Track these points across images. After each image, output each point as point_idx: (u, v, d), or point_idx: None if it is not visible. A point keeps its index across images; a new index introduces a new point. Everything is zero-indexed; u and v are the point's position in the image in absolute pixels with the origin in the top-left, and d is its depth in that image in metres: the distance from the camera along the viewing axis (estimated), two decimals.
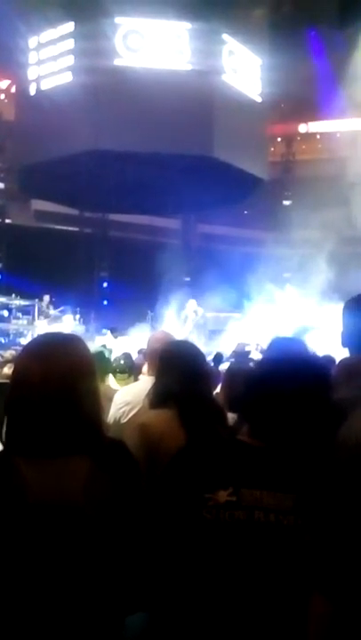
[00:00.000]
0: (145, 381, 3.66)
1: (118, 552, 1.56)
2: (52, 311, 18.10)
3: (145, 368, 3.83)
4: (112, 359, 5.96)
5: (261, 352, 10.59)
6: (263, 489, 1.75)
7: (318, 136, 29.42)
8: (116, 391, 4.08)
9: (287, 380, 1.87)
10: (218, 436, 2.64)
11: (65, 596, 1.51)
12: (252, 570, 1.71)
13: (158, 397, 2.88)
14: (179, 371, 2.87)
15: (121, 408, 3.40)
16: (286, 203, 27.26)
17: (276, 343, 3.33)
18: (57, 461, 1.55)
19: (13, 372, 1.65)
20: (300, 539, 1.72)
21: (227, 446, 1.90)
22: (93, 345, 14.40)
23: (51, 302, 18.28)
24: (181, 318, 17.31)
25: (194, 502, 1.74)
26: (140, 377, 4.16)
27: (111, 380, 5.54)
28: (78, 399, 1.57)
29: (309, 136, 29.51)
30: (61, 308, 18.33)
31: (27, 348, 1.69)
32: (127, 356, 5.80)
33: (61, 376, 1.56)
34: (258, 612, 1.71)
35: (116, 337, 16.01)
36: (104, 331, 17.44)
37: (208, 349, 12.89)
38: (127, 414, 3.34)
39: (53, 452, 1.55)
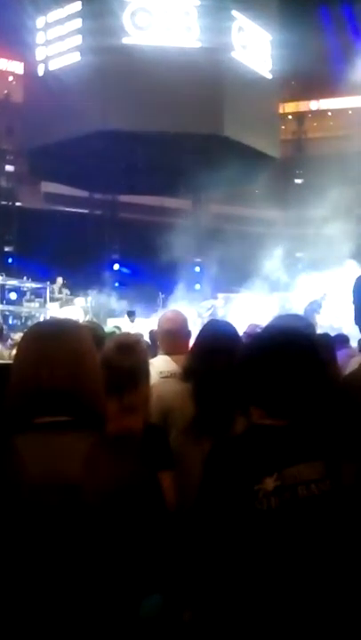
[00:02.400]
0: (156, 360, 3.64)
1: (127, 532, 1.51)
2: (64, 294, 18.06)
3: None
4: None
5: None
6: (299, 463, 1.81)
7: (330, 113, 29.12)
8: None
9: (291, 354, 1.91)
10: (227, 412, 2.65)
11: (69, 577, 1.48)
12: (306, 546, 1.76)
13: (184, 373, 2.95)
14: (205, 349, 2.89)
15: None
16: (298, 181, 27.06)
17: (272, 323, 3.33)
18: (56, 438, 1.55)
19: (17, 353, 1.69)
20: (339, 499, 1.83)
21: (257, 433, 1.90)
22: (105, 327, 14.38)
23: (63, 285, 18.25)
24: (203, 306, 17.27)
25: (245, 496, 1.75)
26: None
27: None
28: (80, 379, 1.60)
29: (321, 113, 29.22)
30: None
31: (30, 332, 1.74)
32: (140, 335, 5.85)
33: (64, 359, 1.59)
34: (316, 586, 1.77)
35: (132, 320, 16.02)
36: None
37: None
38: None
39: (53, 427, 1.56)
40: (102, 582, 1.50)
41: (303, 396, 1.88)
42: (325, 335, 4.19)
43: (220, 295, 17.80)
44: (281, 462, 1.80)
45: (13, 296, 17.95)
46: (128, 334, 2.95)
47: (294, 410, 1.87)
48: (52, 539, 1.47)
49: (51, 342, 1.62)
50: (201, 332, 3.07)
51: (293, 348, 1.92)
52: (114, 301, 18.93)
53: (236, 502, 1.76)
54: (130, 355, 2.47)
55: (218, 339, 2.94)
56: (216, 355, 2.84)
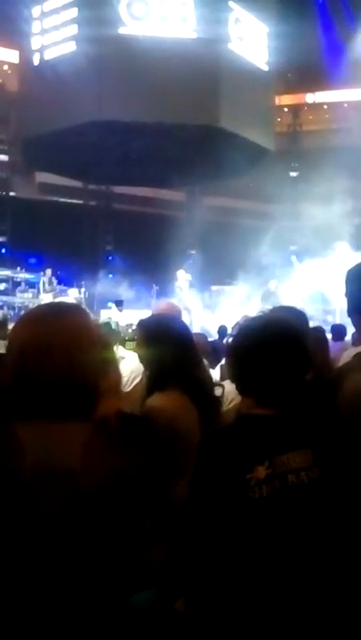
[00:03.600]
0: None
1: (125, 520, 1.53)
2: (54, 285, 18.05)
3: None
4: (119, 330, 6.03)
5: None
6: (288, 451, 1.83)
7: (326, 106, 29.06)
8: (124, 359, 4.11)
9: (279, 344, 1.93)
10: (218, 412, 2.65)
11: (65, 564, 1.48)
12: (297, 534, 1.78)
13: (160, 379, 2.77)
14: (172, 349, 2.77)
15: (125, 376, 3.40)
16: (293, 174, 27.02)
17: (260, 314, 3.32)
18: (55, 425, 1.54)
19: (14, 339, 1.64)
20: (328, 486, 1.84)
21: (247, 423, 1.92)
22: (99, 318, 14.38)
23: (53, 276, 18.24)
24: (176, 290, 17.30)
25: (237, 485, 1.77)
26: None
27: (121, 350, 5.56)
28: (80, 367, 1.57)
29: (317, 106, 29.15)
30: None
31: (29, 316, 1.70)
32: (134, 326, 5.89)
33: (64, 344, 1.57)
34: (308, 574, 1.78)
35: (121, 310, 16.03)
36: (110, 304, 17.44)
37: (213, 323, 12.88)
38: (131, 382, 3.35)
39: (52, 414, 1.55)
40: (98, 570, 1.50)
41: (291, 385, 1.90)
42: (318, 328, 4.20)
43: (181, 271, 17.70)
44: (271, 450, 1.82)
45: (4, 286, 17.95)
46: None
47: (283, 399, 1.89)
48: (50, 525, 1.47)
49: (49, 328, 1.59)
50: (151, 333, 2.93)
51: (281, 338, 1.94)
52: (107, 293, 18.91)
53: (228, 491, 1.77)
54: None
55: (165, 334, 2.83)
56: (197, 358, 2.82)
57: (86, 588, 1.49)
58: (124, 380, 3.38)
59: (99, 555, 1.49)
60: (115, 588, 1.53)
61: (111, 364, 2.47)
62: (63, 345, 1.56)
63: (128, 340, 5.59)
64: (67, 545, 1.47)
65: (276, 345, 1.92)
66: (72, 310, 1.69)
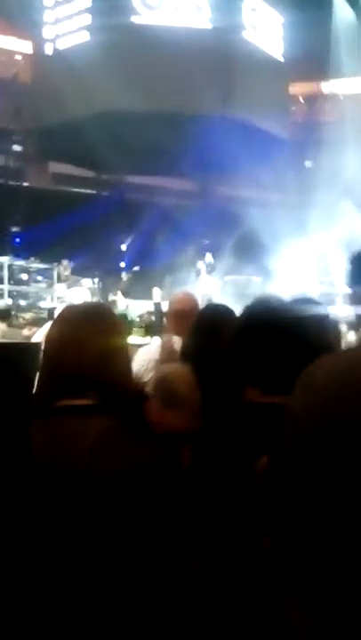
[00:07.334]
0: (165, 339, 3.68)
1: (138, 517, 1.48)
2: (69, 275, 18.11)
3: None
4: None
5: None
6: None
7: (341, 97, 28.83)
8: (134, 346, 4.17)
9: (282, 330, 1.91)
10: (232, 395, 2.64)
11: (73, 565, 1.46)
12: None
13: (182, 354, 3.03)
14: (200, 330, 2.95)
15: (143, 365, 3.45)
16: (308, 164, 26.86)
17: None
18: (70, 422, 1.54)
19: (47, 337, 1.68)
20: None
21: (254, 411, 1.89)
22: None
23: (68, 267, 18.29)
24: (196, 272, 17.31)
25: (242, 475, 1.74)
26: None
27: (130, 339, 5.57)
28: (109, 364, 1.60)
29: (332, 97, 28.92)
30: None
31: (61, 316, 1.73)
32: (144, 315, 5.88)
33: (95, 347, 1.59)
34: None
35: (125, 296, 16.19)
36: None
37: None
38: (149, 371, 3.37)
39: (71, 412, 1.56)
40: (107, 573, 1.46)
41: (297, 373, 1.87)
42: (330, 318, 4.18)
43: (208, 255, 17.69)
44: (277, 440, 1.79)
45: (25, 277, 18.00)
46: None
47: (289, 387, 1.82)
48: (58, 523, 1.46)
49: (81, 326, 1.62)
50: (200, 312, 3.15)
51: (285, 325, 1.93)
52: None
53: (232, 481, 1.76)
54: None
55: (218, 319, 2.95)
56: (217, 334, 2.85)
57: (92, 591, 1.45)
58: (142, 368, 3.42)
59: (107, 553, 1.46)
60: (129, 590, 1.48)
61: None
62: (92, 344, 1.58)
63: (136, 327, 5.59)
64: (74, 544, 1.45)
65: (281, 332, 1.91)
66: (105, 310, 1.74)
